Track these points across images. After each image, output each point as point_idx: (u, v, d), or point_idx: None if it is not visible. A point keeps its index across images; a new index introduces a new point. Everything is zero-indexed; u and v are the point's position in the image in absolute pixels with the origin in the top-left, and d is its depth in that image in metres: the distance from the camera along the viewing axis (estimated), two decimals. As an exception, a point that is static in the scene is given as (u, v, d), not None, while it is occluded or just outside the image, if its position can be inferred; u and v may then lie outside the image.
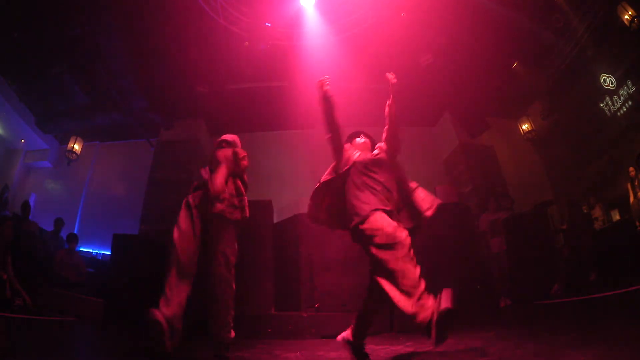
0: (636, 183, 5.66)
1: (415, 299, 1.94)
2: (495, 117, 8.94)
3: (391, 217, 2.23)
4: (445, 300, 1.91)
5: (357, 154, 2.53)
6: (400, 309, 1.96)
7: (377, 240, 2.10)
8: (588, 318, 3.35)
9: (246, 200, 2.69)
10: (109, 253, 7.06)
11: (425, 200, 2.37)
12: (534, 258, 5.51)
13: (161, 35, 6.98)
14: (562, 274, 5.47)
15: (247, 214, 2.65)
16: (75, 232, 7.42)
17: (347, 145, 2.61)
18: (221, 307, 2.47)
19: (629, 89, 6.60)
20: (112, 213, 8.77)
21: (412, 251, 2.08)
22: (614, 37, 6.57)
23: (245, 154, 2.82)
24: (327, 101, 2.46)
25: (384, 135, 2.56)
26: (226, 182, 2.63)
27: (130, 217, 8.11)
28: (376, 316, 2.37)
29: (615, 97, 6.86)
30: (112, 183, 9.28)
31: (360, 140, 2.68)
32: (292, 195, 8.09)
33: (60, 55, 7.13)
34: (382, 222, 2.16)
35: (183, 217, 2.56)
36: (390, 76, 2.48)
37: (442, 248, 4.52)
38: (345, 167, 2.45)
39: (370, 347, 2.65)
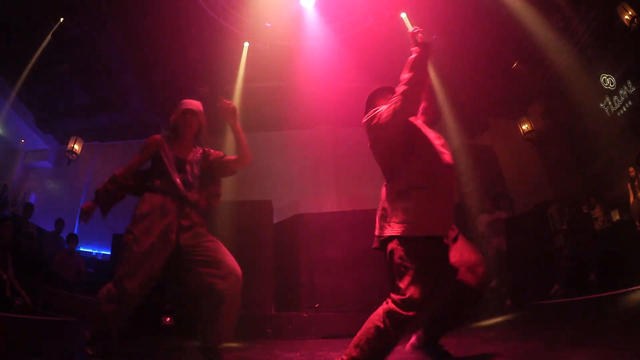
0: (636, 183, 5.65)
1: None
2: (495, 117, 8.94)
3: None
4: None
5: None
6: None
7: None
8: (588, 318, 3.35)
9: None
10: (109, 253, 7.07)
11: None
12: (534, 258, 5.50)
13: (161, 35, 6.98)
14: (562, 274, 5.46)
15: None
16: (75, 232, 7.41)
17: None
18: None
19: (629, 89, 6.59)
20: (112, 213, 8.75)
21: None
22: (614, 37, 6.56)
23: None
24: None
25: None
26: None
27: (130, 217, 8.09)
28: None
29: (615, 97, 6.84)
30: (112, 183, 9.26)
31: None
32: (292, 195, 8.10)
33: (60, 55, 7.14)
34: None
35: None
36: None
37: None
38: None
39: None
